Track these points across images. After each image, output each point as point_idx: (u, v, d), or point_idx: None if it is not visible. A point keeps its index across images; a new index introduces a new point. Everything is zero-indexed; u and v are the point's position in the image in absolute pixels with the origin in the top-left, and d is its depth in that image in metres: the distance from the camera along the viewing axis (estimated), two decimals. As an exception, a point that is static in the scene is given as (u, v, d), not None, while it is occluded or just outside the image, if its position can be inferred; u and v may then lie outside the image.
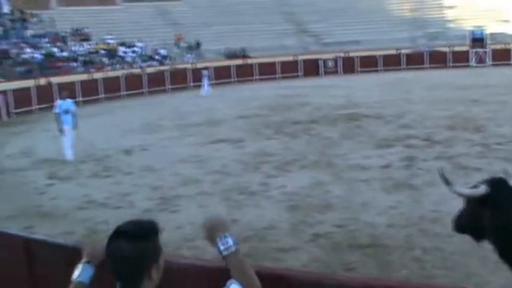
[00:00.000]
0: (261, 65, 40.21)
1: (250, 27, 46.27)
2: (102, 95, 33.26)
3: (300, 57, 41.58)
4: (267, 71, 39.91)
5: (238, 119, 21.09)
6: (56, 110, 15.12)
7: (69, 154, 14.96)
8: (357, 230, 8.46)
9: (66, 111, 14.98)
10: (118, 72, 36.54)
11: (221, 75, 38.15)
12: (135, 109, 27.09)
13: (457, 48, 40.66)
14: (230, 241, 2.52)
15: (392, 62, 40.98)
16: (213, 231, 2.57)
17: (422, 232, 8.15)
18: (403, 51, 41.75)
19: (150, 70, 37.93)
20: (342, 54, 42.05)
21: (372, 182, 11.02)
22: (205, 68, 34.73)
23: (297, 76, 40.33)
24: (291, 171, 12.40)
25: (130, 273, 2.29)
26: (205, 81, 32.89)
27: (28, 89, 29.66)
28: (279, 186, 11.07)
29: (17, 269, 3.07)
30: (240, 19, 47.08)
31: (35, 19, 41.22)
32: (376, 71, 40.41)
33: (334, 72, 41.02)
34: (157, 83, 35.84)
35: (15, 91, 28.52)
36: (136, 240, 2.28)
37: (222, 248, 2.51)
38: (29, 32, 39.04)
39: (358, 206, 9.57)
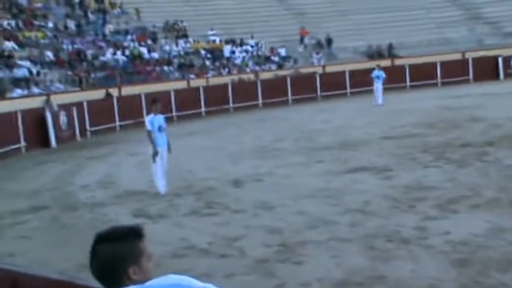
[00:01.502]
0: (414, 66, 39.95)
1: (400, 16, 46.05)
2: (203, 109, 34.19)
3: (471, 55, 40.86)
4: (424, 74, 39.58)
5: (384, 140, 21.02)
6: (148, 127, 15.47)
7: (161, 185, 15.42)
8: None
9: (160, 129, 15.39)
10: (224, 79, 37.41)
11: (360, 82, 38.13)
12: (245, 127, 27.59)
13: None
14: None
15: None
16: None
17: None
18: None
19: (265, 75, 38.58)
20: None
21: None
22: (378, 67, 34.43)
23: (466, 81, 39.60)
24: (458, 211, 12.16)
25: (107, 274, 3.09)
26: (379, 85, 32.82)
27: (109, 100, 30.97)
28: (442, 233, 10.87)
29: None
30: (386, 5, 46.93)
31: (116, 11, 43.07)
32: None
33: (520, 74, 40.00)
34: (275, 92, 36.41)
35: (91, 103, 29.76)
36: (111, 242, 3.10)
37: None
38: (109, 28, 40.79)
39: (557, 263, 9.24)
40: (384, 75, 33.58)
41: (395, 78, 38.96)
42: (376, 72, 33.69)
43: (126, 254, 3.08)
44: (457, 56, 40.86)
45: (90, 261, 3.13)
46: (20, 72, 32.27)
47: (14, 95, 30.53)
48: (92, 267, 3.13)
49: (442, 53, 41.37)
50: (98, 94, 32.14)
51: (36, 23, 37.83)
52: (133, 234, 3.15)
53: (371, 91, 35.97)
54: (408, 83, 39.80)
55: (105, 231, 3.17)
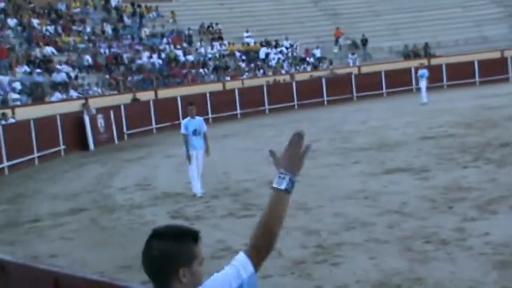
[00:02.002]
0: (452, 65, 39.62)
1: (436, 15, 45.67)
2: (238, 111, 34.27)
3: (510, 53, 40.43)
4: (461, 73, 39.25)
5: (421, 141, 20.90)
6: (183, 131, 15.66)
7: (197, 187, 15.51)
8: None
9: (195, 132, 15.50)
10: (259, 81, 37.44)
11: (396, 82, 37.95)
12: (281, 128, 27.55)
13: None
14: (284, 184, 3.29)
15: None
16: (287, 161, 3.34)
17: None
18: None
19: (301, 77, 38.55)
20: None
21: None
22: (423, 66, 34.34)
23: (505, 79, 39.21)
24: (498, 212, 12.03)
25: (157, 272, 3.06)
26: (423, 84, 32.81)
27: (145, 103, 31.14)
28: (481, 234, 10.77)
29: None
30: (421, 4, 46.60)
31: (152, 14, 43.31)
32: None
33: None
34: (310, 93, 36.37)
35: (128, 106, 30.03)
36: (166, 240, 3.07)
37: (275, 181, 3.31)
38: (145, 31, 41.03)
39: None
40: (427, 74, 33.47)
41: (432, 78, 38.66)
42: (420, 71, 33.69)
43: (180, 254, 3.06)
44: (496, 55, 40.45)
45: (143, 255, 3.11)
46: (58, 77, 32.63)
47: (53, 99, 30.87)
48: (144, 260, 3.11)
49: (480, 51, 41.00)
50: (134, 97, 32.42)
51: (74, 28, 38.26)
52: (190, 236, 3.13)
53: (407, 91, 35.83)
54: (446, 83, 39.50)
55: (163, 227, 3.16)
